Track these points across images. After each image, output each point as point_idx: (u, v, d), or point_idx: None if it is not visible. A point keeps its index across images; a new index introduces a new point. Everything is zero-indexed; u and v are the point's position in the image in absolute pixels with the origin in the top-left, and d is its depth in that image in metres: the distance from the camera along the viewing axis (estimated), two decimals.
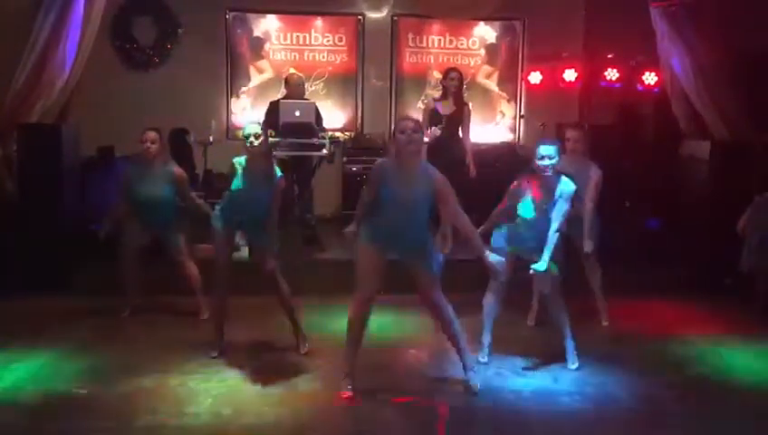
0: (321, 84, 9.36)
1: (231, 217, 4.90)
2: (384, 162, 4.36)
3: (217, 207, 4.99)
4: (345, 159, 8.81)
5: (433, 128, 6.98)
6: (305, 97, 7.90)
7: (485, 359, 5.01)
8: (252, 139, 4.72)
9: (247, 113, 9.24)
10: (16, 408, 4.20)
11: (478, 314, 4.99)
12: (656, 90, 8.34)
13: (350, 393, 4.41)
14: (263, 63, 9.31)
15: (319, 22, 9.34)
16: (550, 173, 4.63)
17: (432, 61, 9.48)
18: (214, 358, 4.98)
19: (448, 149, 6.91)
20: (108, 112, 8.35)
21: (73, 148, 6.83)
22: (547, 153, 4.60)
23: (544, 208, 4.68)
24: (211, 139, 7.63)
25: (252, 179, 4.79)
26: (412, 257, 4.41)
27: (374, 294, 4.40)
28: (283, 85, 8.25)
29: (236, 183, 4.81)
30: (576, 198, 4.86)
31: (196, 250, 6.02)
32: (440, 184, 4.26)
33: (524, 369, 4.92)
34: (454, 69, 7.30)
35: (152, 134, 5.72)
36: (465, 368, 4.58)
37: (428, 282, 4.43)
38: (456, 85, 7.07)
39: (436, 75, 9.17)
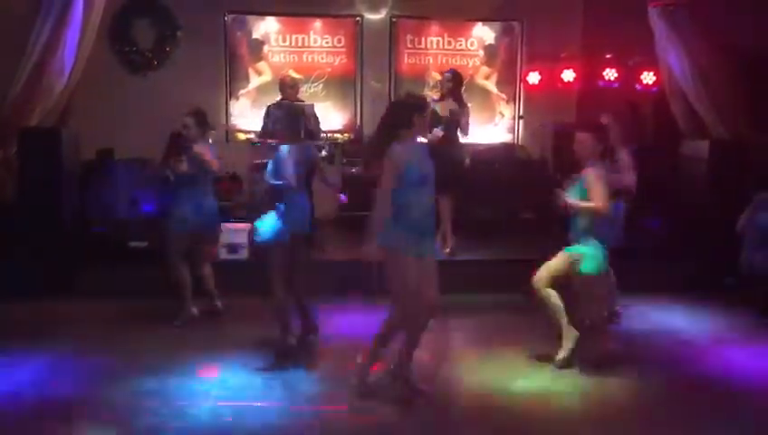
0: (321, 86, 9.37)
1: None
2: (400, 145, 4.20)
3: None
4: (344, 160, 8.83)
5: (435, 129, 6.99)
6: (300, 99, 7.91)
7: None
8: None
9: (247, 115, 9.26)
10: (18, 410, 4.20)
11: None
12: (654, 89, 8.36)
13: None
14: (262, 65, 9.32)
15: (318, 23, 9.35)
16: None
17: (431, 62, 9.49)
18: (215, 361, 5.00)
19: (447, 150, 6.92)
20: (107, 116, 8.37)
21: (73, 151, 6.84)
22: None
23: None
24: (210, 141, 7.62)
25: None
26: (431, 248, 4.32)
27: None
28: None
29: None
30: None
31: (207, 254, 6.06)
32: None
33: (524, 369, 4.92)
34: (448, 70, 7.33)
35: (187, 119, 5.73)
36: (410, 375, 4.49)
37: (435, 278, 4.32)
38: (449, 86, 7.09)
39: (435, 76, 9.19)
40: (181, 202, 5.70)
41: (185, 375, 4.70)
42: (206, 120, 5.90)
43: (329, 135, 8.83)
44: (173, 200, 5.80)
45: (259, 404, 4.32)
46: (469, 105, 7.43)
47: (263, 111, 8.08)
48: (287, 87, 7.72)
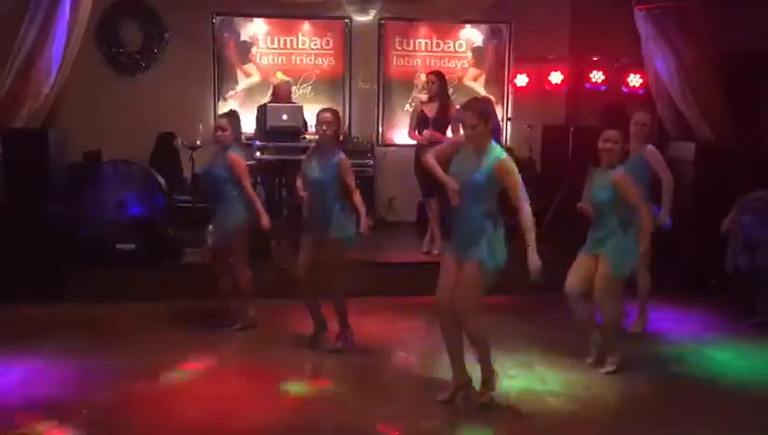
0: (309, 88, 9.37)
1: None
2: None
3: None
4: None
5: (425, 131, 7.03)
6: (292, 100, 7.94)
7: None
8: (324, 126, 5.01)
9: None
10: (4, 414, 4.18)
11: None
12: (641, 92, 8.41)
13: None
14: (250, 67, 9.31)
15: (306, 25, 9.35)
16: None
17: (419, 64, 9.51)
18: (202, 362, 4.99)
19: None
20: (94, 117, 8.34)
21: (60, 153, 6.78)
22: None
23: None
24: (198, 142, 7.63)
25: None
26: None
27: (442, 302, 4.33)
28: (270, 88, 8.28)
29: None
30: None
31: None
32: None
33: (511, 370, 4.94)
34: (431, 72, 7.36)
35: (222, 121, 5.70)
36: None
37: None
38: (434, 88, 7.11)
39: (423, 78, 9.20)
40: (215, 208, 5.64)
41: (174, 379, 4.70)
42: (240, 122, 5.87)
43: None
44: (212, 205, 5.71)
45: (248, 407, 4.33)
46: (457, 107, 7.46)
47: (252, 113, 8.11)
48: (279, 90, 7.75)
